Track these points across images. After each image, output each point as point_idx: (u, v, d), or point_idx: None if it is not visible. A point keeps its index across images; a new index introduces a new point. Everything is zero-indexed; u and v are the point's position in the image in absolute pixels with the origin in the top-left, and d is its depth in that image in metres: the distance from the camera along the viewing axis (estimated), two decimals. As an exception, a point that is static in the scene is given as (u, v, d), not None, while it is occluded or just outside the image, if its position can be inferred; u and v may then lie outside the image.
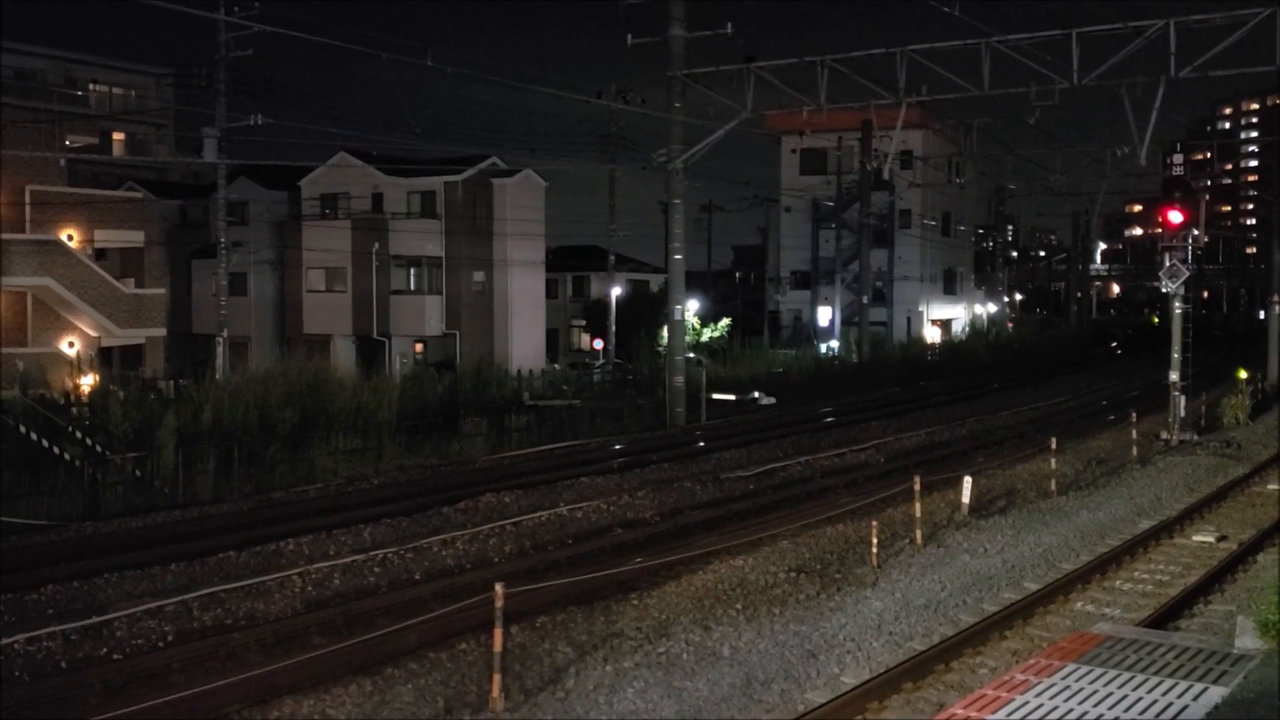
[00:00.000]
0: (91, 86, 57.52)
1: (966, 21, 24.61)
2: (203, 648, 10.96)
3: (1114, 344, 74.15)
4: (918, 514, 15.82)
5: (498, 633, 9.71)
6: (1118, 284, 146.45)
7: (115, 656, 10.81)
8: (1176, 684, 7.92)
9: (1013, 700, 7.60)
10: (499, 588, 9.87)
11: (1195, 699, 7.63)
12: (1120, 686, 7.87)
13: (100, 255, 35.23)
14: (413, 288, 44.67)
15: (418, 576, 13.81)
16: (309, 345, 37.30)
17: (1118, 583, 14.05)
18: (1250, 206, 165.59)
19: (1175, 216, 25.74)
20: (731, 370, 37.73)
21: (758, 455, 23.78)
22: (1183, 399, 26.57)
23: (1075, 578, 13.75)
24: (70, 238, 32.78)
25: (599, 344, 47.08)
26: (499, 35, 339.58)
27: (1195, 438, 26.00)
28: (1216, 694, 7.70)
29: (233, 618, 12.04)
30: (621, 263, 51.25)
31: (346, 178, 45.07)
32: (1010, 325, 77.99)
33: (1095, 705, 7.51)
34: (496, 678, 9.68)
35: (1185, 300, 26.71)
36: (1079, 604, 13.06)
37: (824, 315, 56.56)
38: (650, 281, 56.62)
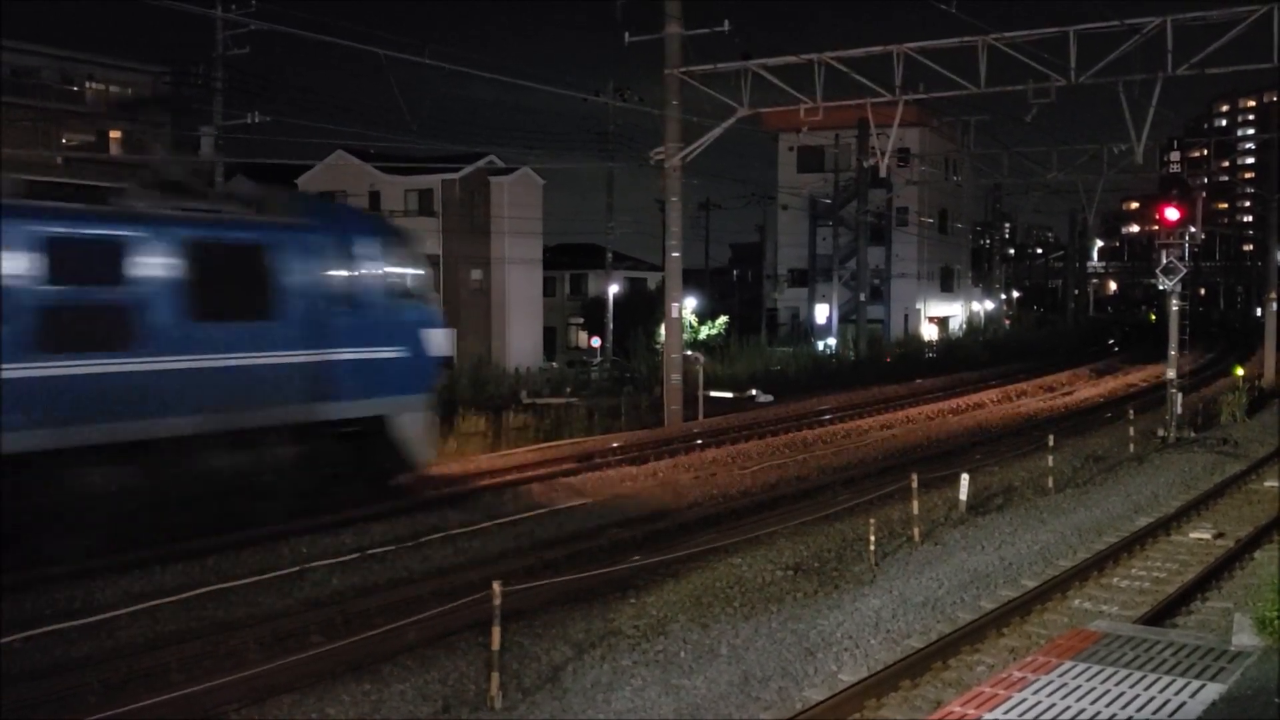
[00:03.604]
0: (88, 84, 57.47)
1: (963, 19, 24.62)
2: (201, 647, 10.96)
3: (1111, 341, 74.22)
4: (915, 511, 15.83)
5: (496, 631, 9.72)
6: (1115, 281, 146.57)
7: (114, 656, 10.81)
8: (1174, 681, 7.93)
9: (1010, 697, 7.61)
10: (496, 586, 9.87)
11: (1193, 696, 7.64)
12: (1118, 683, 7.88)
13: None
14: (410, 286, 44.59)
15: (416, 575, 13.81)
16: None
17: (1115, 580, 14.06)
18: (1247, 204, 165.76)
19: (1172, 214, 25.75)
20: (729, 368, 37.74)
21: (755, 452, 23.79)
22: (1180, 396, 26.60)
23: (1073, 575, 13.76)
24: (67, 236, 32.71)
25: (596, 342, 47.11)
26: (497, 33, 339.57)
27: (1192, 435, 26.02)
28: (1214, 691, 7.72)
29: (231, 617, 12.04)
30: (619, 261, 51.28)
31: (344, 176, 45.12)
32: (1007, 323, 78.05)
33: (1093, 702, 7.52)
34: (494, 676, 9.69)
35: (1182, 297, 26.74)
36: (1076, 601, 13.07)
37: (821, 313, 56.62)
38: (648, 279, 56.67)
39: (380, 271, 17.02)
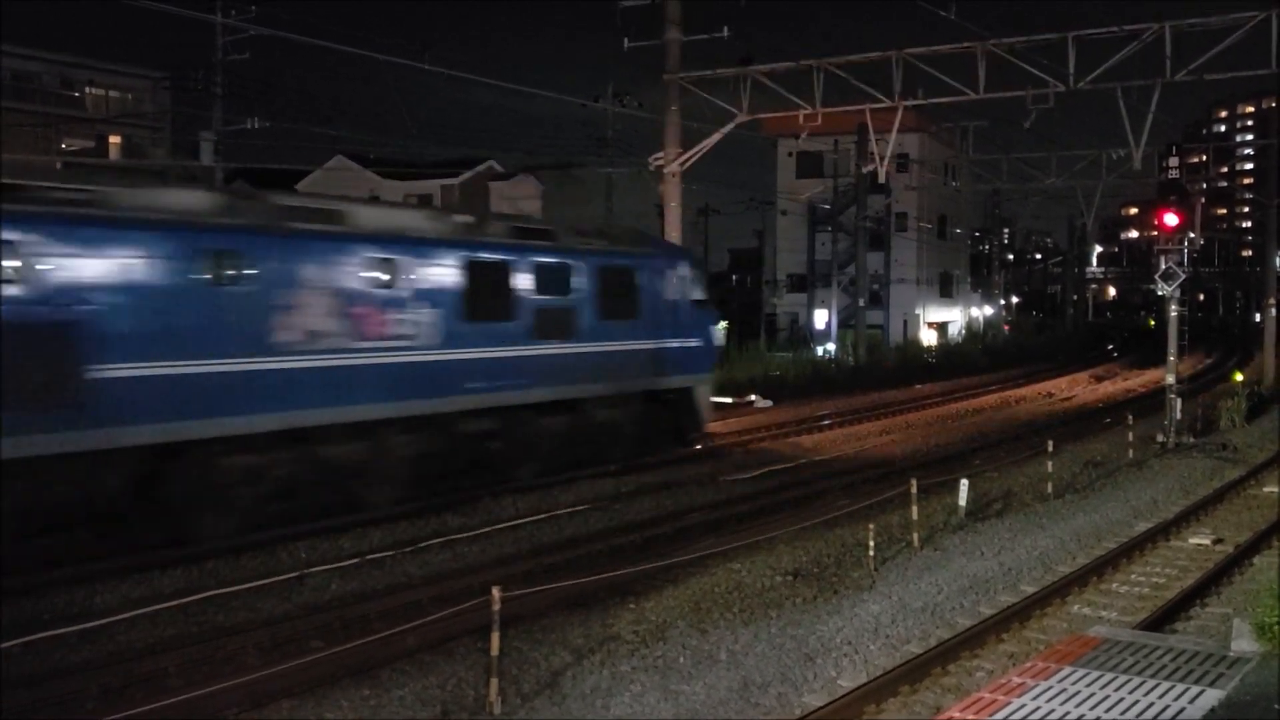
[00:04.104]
0: (88, 89, 57.54)
1: (963, 25, 24.67)
2: (200, 652, 10.95)
3: (1110, 347, 74.26)
4: (914, 517, 15.83)
5: (495, 636, 9.71)
6: (1113, 286, 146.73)
7: (113, 660, 10.80)
8: (1173, 687, 7.93)
9: (1010, 703, 7.61)
10: (496, 592, 9.87)
11: (1191, 702, 7.64)
12: (1117, 689, 7.89)
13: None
14: (409, 291, 44.58)
15: (415, 580, 13.81)
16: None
17: (1114, 585, 14.07)
18: (1246, 209, 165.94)
19: (1171, 219, 25.78)
20: (728, 373, 37.70)
21: (754, 458, 23.79)
22: (1179, 401, 26.60)
23: (1072, 580, 13.77)
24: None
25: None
26: (497, 37, 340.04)
27: (1191, 440, 26.03)
28: (1213, 697, 7.72)
29: (230, 622, 12.03)
30: (618, 265, 51.26)
31: (343, 181, 45.11)
32: (1006, 328, 78.09)
33: (1092, 708, 7.53)
34: (493, 681, 9.69)
35: (1181, 303, 26.75)
36: (1076, 607, 13.08)
37: (820, 318, 56.63)
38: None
39: (688, 284, 23.13)
